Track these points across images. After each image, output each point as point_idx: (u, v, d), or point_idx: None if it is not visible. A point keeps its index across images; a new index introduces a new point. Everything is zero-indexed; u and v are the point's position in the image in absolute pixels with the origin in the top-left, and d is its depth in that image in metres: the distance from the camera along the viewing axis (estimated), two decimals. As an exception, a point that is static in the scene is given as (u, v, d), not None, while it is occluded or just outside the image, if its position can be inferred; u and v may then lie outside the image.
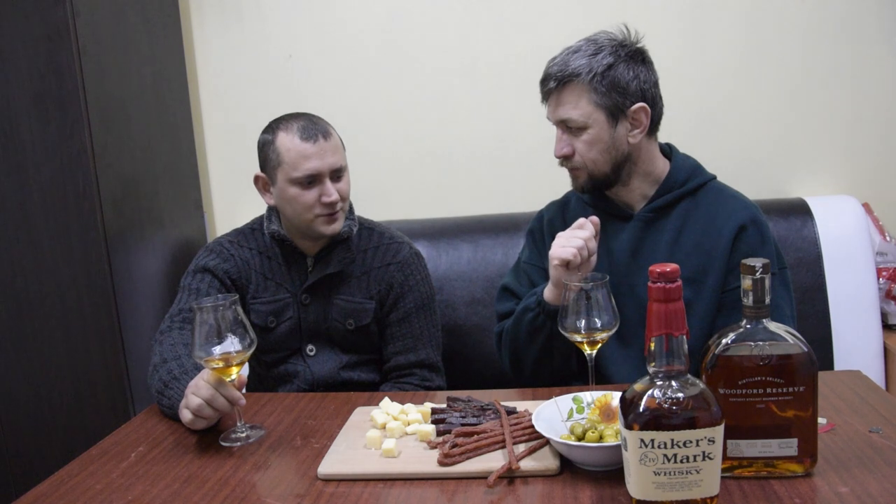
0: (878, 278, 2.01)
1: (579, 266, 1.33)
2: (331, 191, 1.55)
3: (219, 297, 1.22)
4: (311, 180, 1.54)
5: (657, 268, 0.87)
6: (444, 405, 1.26)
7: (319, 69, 2.33)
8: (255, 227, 1.71)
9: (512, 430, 1.13)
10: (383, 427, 1.19)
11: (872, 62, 2.14)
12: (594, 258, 1.37)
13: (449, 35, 2.27)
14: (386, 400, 1.28)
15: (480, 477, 1.04)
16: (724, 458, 0.94)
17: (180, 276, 1.65)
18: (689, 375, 0.89)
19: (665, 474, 0.86)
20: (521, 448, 1.09)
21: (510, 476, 1.04)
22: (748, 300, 0.95)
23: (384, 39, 2.30)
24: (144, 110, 2.14)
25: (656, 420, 0.86)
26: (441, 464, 1.07)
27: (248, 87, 2.37)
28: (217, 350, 1.18)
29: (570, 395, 1.15)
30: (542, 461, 1.06)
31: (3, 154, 1.90)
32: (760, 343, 0.95)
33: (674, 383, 0.87)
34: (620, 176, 1.46)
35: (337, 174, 1.57)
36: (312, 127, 1.55)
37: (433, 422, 1.20)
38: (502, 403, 1.24)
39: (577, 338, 1.20)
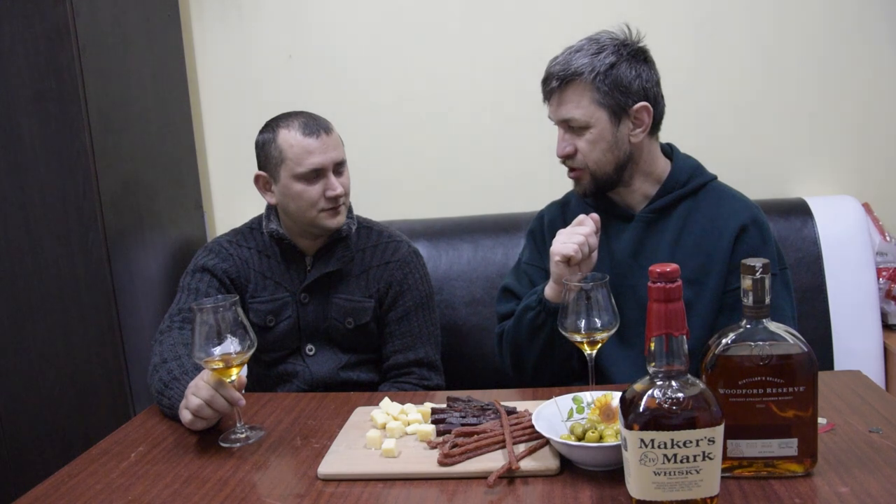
0: (878, 278, 2.01)
1: (580, 263, 1.33)
2: (335, 184, 1.56)
3: (219, 298, 1.22)
4: (316, 175, 1.55)
5: (657, 268, 0.87)
6: (444, 405, 1.26)
7: (319, 69, 2.33)
8: (253, 226, 1.71)
9: (512, 430, 1.13)
10: (383, 427, 1.19)
11: (872, 62, 2.14)
12: (595, 255, 1.37)
13: (449, 35, 2.27)
14: (386, 400, 1.28)
15: (480, 477, 1.04)
16: (724, 458, 0.94)
17: (180, 276, 1.66)
18: (689, 375, 0.89)
19: (665, 474, 0.86)
20: (521, 448, 1.09)
21: (510, 476, 1.04)
22: (748, 300, 0.95)
23: (384, 39, 2.30)
24: (144, 110, 2.14)
25: (656, 420, 0.86)
26: (441, 464, 1.07)
27: (248, 87, 2.37)
28: (217, 351, 1.18)
29: (570, 395, 1.15)
30: (542, 461, 1.06)
31: (3, 154, 1.89)
32: (760, 343, 0.95)
33: (674, 383, 0.87)
34: (623, 177, 1.46)
35: (339, 168, 1.59)
36: (314, 123, 1.56)
37: (433, 422, 1.20)
38: (502, 403, 1.24)
39: (577, 338, 1.19)
